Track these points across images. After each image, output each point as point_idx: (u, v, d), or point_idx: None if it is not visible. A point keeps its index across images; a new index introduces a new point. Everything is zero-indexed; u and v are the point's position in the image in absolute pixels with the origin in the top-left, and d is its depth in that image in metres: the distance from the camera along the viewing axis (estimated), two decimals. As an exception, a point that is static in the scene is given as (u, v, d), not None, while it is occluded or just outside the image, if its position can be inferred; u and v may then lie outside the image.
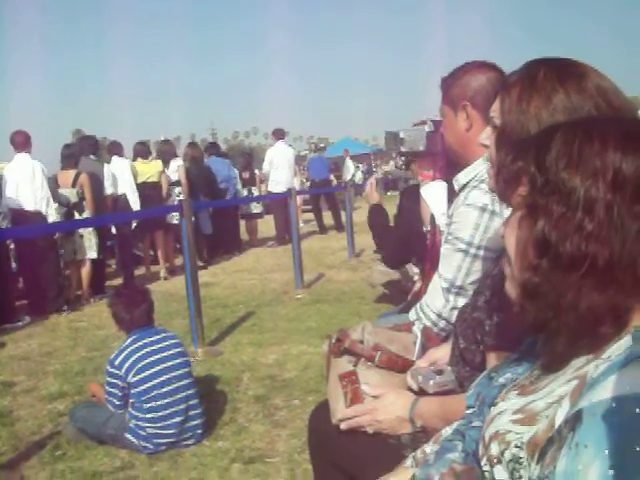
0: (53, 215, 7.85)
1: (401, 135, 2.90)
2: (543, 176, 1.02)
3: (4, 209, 7.65)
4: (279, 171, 12.85)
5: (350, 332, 2.03)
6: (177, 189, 10.45)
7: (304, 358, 5.14)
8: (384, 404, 1.83)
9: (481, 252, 2.08)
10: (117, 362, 3.60)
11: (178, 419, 3.58)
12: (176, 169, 10.58)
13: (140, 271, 10.33)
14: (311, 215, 16.14)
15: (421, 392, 1.81)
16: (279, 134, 13.53)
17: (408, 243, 3.72)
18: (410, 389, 1.86)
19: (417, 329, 2.10)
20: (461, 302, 2.08)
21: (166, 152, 10.96)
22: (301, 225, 12.79)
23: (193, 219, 9.99)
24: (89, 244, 8.31)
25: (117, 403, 3.66)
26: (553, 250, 0.99)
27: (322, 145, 22.50)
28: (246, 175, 14.11)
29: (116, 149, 10.18)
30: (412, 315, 2.31)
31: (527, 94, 1.38)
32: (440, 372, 1.79)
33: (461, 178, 2.20)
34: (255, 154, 26.56)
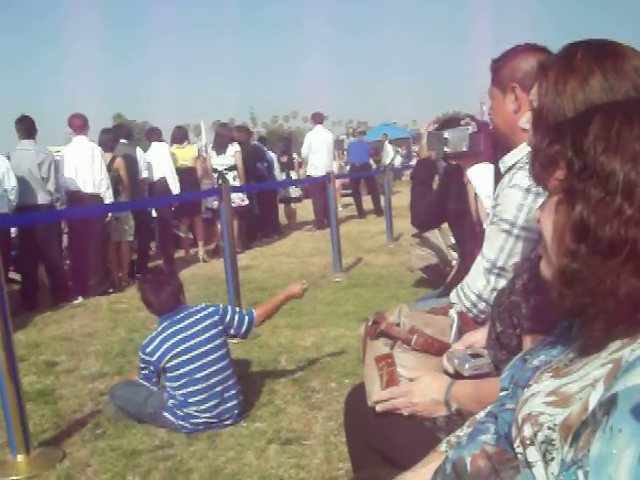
0: (110, 197, 8.00)
1: (445, 135, 2.85)
2: (581, 160, 1.00)
3: (61, 192, 7.79)
4: (318, 155, 12.84)
5: (387, 315, 2.03)
6: (231, 174, 10.47)
7: (341, 341, 5.15)
8: (420, 387, 1.83)
9: (524, 233, 2.06)
10: (149, 350, 3.65)
11: (215, 401, 3.62)
12: (233, 154, 10.62)
13: (180, 254, 10.45)
14: (350, 199, 16.12)
15: (457, 375, 1.80)
16: (318, 118, 13.51)
17: (443, 209, 3.65)
18: (446, 372, 1.85)
19: (454, 312, 2.09)
20: (501, 284, 2.07)
21: (224, 136, 10.91)
22: (340, 209, 12.80)
23: (247, 202, 10.26)
24: (126, 227, 8.43)
25: (153, 380, 3.75)
26: (592, 235, 0.97)
27: (360, 129, 22.45)
28: (284, 159, 14.12)
29: (155, 134, 10.24)
30: (453, 296, 2.30)
31: (563, 76, 1.37)
32: (476, 355, 1.78)
33: (507, 160, 2.19)
34: (294, 138, 26.57)
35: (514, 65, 2.18)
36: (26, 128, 7.62)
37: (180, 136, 10.61)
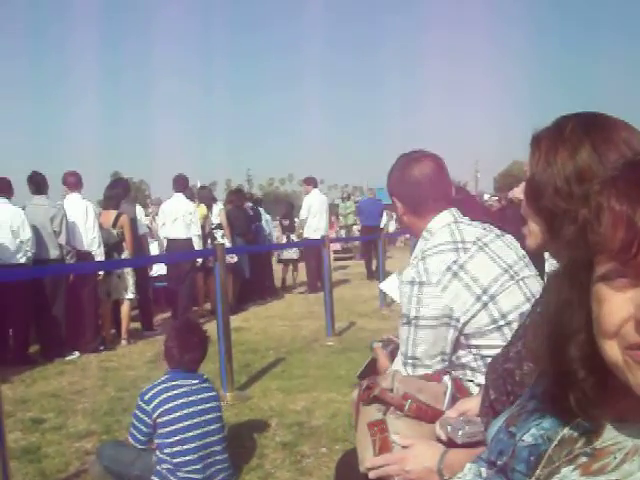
0: (101, 256, 8.05)
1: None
2: None
3: (71, 246, 7.85)
4: (316, 218, 12.89)
5: (380, 380, 2.02)
6: (220, 232, 10.68)
7: (333, 406, 5.10)
8: (413, 454, 1.81)
9: (420, 321, 2.19)
10: (147, 397, 3.58)
11: (204, 463, 3.56)
12: (218, 212, 10.88)
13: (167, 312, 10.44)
14: (343, 263, 16.05)
15: (450, 442, 1.79)
16: (313, 182, 13.57)
17: None
18: (439, 439, 1.84)
19: (447, 379, 2.09)
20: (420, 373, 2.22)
21: (205, 197, 11.24)
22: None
23: (236, 259, 10.34)
24: (127, 284, 8.44)
25: (140, 438, 3.62)
26: None
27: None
28: (286, 222, 14.38)
29: (181, 185, 10.13)
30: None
31: (554, 146, 1.40)
32: (469, 423, 1.77)
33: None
34: (289, 201, 26.75)
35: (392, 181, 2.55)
36: (37, 184, 7.79)
37: (190, 195, 10.78)
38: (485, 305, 2.17)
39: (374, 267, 14.71)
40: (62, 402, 5.69)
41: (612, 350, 0.86)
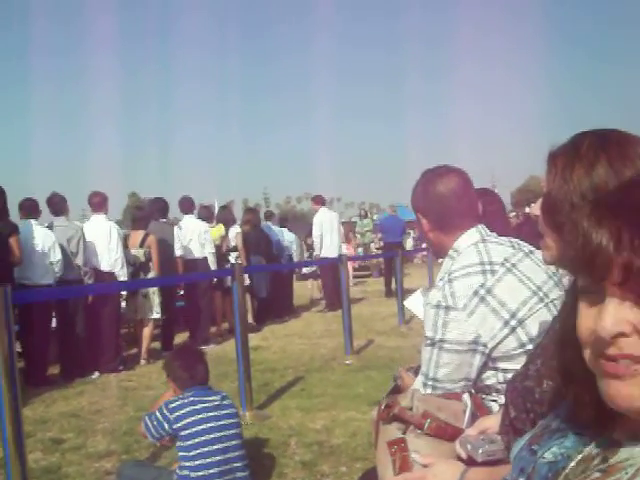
0: (124, 276, 8.12)
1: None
2: None
3: (88, 267, 7.91)
4: (328, 236, 12.87)
5: (400, 398, 2.02)
6: (234, 254, 10.73)
7: (352, 425, 5.08)
8: (433, 473, 1.81)
9: (445, 345, 2.15)
10: (172, 405, 3.60)
11: (228, 477, 3.55)
12: (234, 235, 10.88)
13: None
14: (360, 280, 16.04)
15: (470, 461, 1.78)
16: (321, 200, 13.54)
17: None
18: (459, 458, 1.83)
19: (467, 397, 2.08)
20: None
21: (225, 218, 11.32)
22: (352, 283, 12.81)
23: (248, 282, 10.35)
24: (152, 304, 8.47)
25: (153, 434, 3.65)
26: None
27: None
28: (310, 241, 14.56)
29: (187, 206, 10.23)
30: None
31: (571, 163, 1.41)
32: (490, 441, 1.76)
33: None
34: (306, 220, 26.88)
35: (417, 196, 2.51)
36: (55, 206, 7.91)
37: (207, 215, 10.87)
38: (513, 330, 2.12)
39: (393, 285, 14.68)
40: (82, 422, 5.71)
41: (588, 358, 0.92)
